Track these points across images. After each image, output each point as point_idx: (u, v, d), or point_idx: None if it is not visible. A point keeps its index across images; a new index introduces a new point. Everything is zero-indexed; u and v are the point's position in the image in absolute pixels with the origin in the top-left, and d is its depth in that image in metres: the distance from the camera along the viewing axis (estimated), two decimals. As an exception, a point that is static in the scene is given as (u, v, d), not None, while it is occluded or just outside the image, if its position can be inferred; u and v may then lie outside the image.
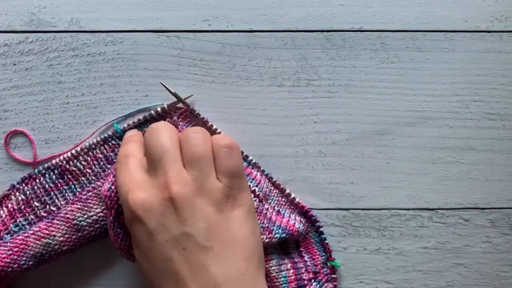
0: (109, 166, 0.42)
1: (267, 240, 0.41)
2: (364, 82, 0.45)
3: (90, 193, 0.41)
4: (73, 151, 0.42)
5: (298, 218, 0.43)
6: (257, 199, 0.41)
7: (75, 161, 0.42)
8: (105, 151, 0.43)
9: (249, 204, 0.37)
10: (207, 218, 0.34)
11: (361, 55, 0.45)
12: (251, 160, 0.43)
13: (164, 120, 0.43)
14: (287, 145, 0.44)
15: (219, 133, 0.43)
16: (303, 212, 0.44)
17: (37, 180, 0.42)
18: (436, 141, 0.45)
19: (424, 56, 0.45)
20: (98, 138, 0.43)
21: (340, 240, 0.44)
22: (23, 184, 0.42)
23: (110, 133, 0.43)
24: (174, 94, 0.43)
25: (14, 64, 0.44)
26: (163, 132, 0.36)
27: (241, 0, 0.45)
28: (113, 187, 0.38)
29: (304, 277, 0.43)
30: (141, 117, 0.43)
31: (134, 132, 0.41)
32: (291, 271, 0.43)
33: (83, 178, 0.42)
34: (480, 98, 0.45)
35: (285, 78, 0.45)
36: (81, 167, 0.42)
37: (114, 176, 0.39)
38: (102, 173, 0.42)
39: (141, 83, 0.44)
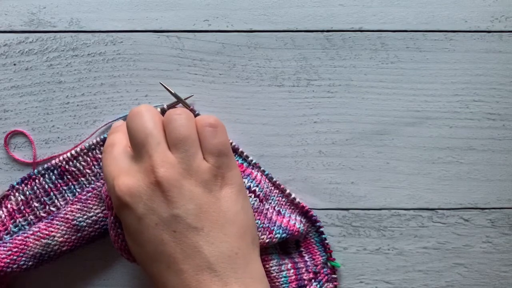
0: None
1: (267, 240, 0.41)
2: (364, 82, 0.45)
3: (89, 194, 0.41)
4: (73, 152, 0.42)
5: (298, 218, 0.43)
6: (257, 199, 0.41)
7: (74, 161, 0.42)
8: None
9: (239, 182, 0.36)
10: (195, 199, 0.34)
11: (361, 55, 0.45)
12: (251, 160, 0.43)
13: None
14: (287, 145, 0.44)
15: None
16: (304, 212, 0.44)
17: (37, 181, 0.42)
18: (436, 141, 0.45)
19: (424, 56, 0.45)
20: (98, 139, 0.42)
21: (340, 240, 0.44)
22: (23, 185, 0.42)
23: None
24: (174, 95, 0.43)
25: (14, 64, 0.44)
26: (145, 115, 0.35)
27: (241, 0, 0.45)
28: None
29: (304, 277, 0.43)
30: None
31: (120, 123, 0.41)
32: (292, 271, 0.43)
33: (82, 179, 0.42)
34: (480, 98, 0.45)
35: (285, 78, 0.45)
36: (81, 168, 0.42)
37: None
38: (102, 174, 0.42)
39: (141, 83, 0.44)
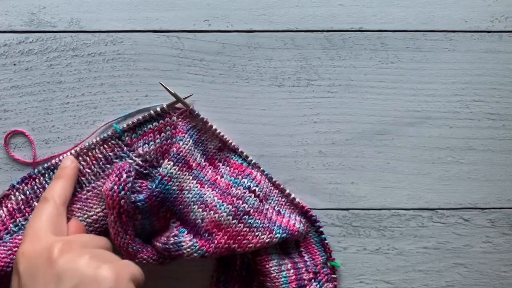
0: (108, 166, 0.42)
1: (267, 240, 0.41)
2: (364, 82, 0.45)
3: (89, 193, 0.41)
4: (73, 151, 0.42)
5: (298, 218, 0.43)
6: (257, 199, 0.41)
7: (75, 161, 0.42)
8: (104, 151, 0.43)
9: None
10: None
11: (361, 55, 0.45)
12: (251, 160, 0.43)
13: (163, 120, 0.43)
14: (287, 145, 0.44)
15: (219, 133, 0.43)
16: (303, 212, 0.44)
17: (37, 180, 0.42)
18: (436, 141, 0.45)
19: (424, 56, 0.45)
20: (98, 138, 0.43)
21: (340, 240, 0.44)
22: (23, 184, 0.42)
23: (109, 133, 0.43)
24: (174, 95, 0.43)
25: (14, 64, 0.44)
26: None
27: (241, 0, 0.45)
28: (115, 187, 0.39)
29: (304, 277, 0.43)
30: (140, 117, 0.43)
31: (68, 163, 0.41)
32: (291, 271, 0.43)
33: (82, 178, 0.42)
34: (480, 98, 0.45)
35: (285, 78, 0.45)
36: (81, 167, 0.42)
37: (116, 176, 0.39)
38: (101, 173, 0.42)
39: (141, 83, 0.44)
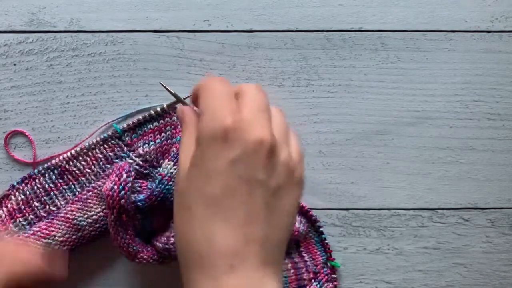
0: (108, 166, 0.42)
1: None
2: (364, 82, 0.45)
3: (90, 193, 0.41)
4: (73, 151, 0.42)
5: (298, 218, 0.43)
6: None
7: (74, 161, 0.42)
8: (104, 151, 0.43)
9: None
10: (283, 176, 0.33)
11: (361, 55, 0.45)
12: None
13: (164, 120, 0.43)
14: (287, 145, 0.44)
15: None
16: (303, 212, 0.43)
17: (37, 180, 0.42)
18: (436, 141, 0.45)
19: (424, 56, 0.45)
20: (98, 138, 0.43)
21: (340, 240, 0.44)
22: (23, 184, 0.42)
23: (109, 133, 0.43)
24: (174, 95, 0.43)
25: (14, 64, 0.44)
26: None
27: (241, 0, 0.45)
28: (115, 186, 0.39)
29: (304, 277, 0.43)
30: (140, 117, 0.43)
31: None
32: (292, 271, 0.43)
33: (82, 178, 0.42)
34: (480, 98, 0.45)
35: (285, 78, 0.45)
36: (81, 167, 0.42)
37: (116, 176, 0.39)
38: (101, 173, 0.42)
39: (141, 83, 0.44)
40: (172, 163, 0.41)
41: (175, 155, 0.41)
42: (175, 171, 0.41)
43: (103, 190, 0.39)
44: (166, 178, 0.40)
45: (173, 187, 0.41)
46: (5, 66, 0.44)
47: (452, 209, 0.45)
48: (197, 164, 0.33)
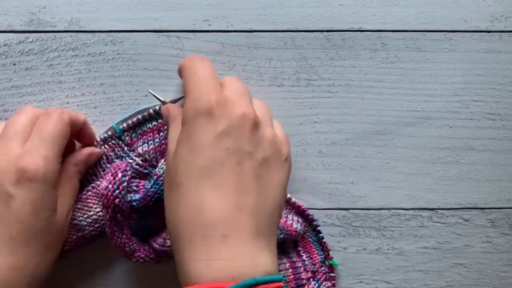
0: (109, 165, 0.42)
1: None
2: (364, 82, 0.45)
3: (89, 193, 0.41)
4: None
5: (295, 218, 0.43)
6: None
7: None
8: (105, 150, 0.42)
9: None
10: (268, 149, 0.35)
11: (361, 55, 0.45)
12: None
13: (162, 119, 0.42)
14: (287, 145, 0.44)
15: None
16: (300, 212, 0.43)
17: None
18: (436, 141, 0.45)
19: (424, 56, 0.45)
20: (98, 138, 0.42)
21: (340, 240, 0.44)
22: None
23: (109, 133, 0.43)
24: (163, 102, 0.42)
25: (14, 64, 0.44)
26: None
27: (241, 0, 0.45)
28: (110, 186, 0.39)
29: (302, 276, 0.43)
30: (140, 117, 0.42)
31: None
32: (290, 270, 0.43)
33: (83, 178, 0.42)
34: (480, 98, 0.45)
35: (285, 78, 0.45)
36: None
37: (111, 175, 0.39)
38: (102, 173, 0.42)
39: (141, 83, 0.44)
40: None
41: None
42: None
43: (99, 189, 0.39)
44: (161, 179, 0.40)
45: None
46: (5, 66, 0.44)
47: (452, 209, 0.45)
48: (184, 141, 0.34)
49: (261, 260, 0.32)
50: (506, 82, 0.45)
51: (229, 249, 0.32)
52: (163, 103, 0.42)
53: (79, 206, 0.41)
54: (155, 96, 0.42)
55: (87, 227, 0.40)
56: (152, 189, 0.40)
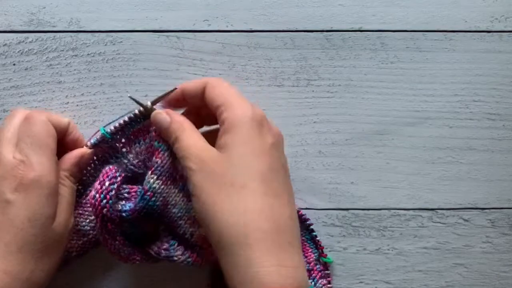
0: (106, 167, 0.41)
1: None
2: (364, 82, 0.45)
3: (87, 197, 0.40)
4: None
5: None
6: None
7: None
8: (100, 154, 0.41)
9: None
10: None
11: (361, 55, 0.45)
12: None
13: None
14: (287, 145, 0.44)
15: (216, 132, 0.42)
16: None
17: None
18: (436, 141, 0.45)
19: (424, 56, 0.45)
20: (88, 144, 0.40)
21: (340, 240, 0.44)
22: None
23: (98, 136, 0.40)
24: (145, 107, 0.39)
25: (14, 64, 0.44)
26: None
27: (241, 0, 0.45)
28: (97, 195, 0.37)
29: (299, 276, 0.43)
30: (126, 118, 0.40)
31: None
32: None
33: (83, 178, 0.42)
34: (480, 98, 0.45)
35: (285, 78, 0.45)
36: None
37: (99, 183, 0.38)
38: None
39: (141, 83, 0.44)
40: (155, 177, 0.38)
41: (159, 168, 0.38)
42: (158, 186, 0.38)
43: (88, 197, 0.39)
44: (149, 193, 0.38)
45: (157, 202, 0.39)
46: (4, 66, 0.44)
47: (452, 209, 0.45)
48: (245, 144, 0.35)
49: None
50: (506, 82, 0.45)
51: (295, 256, 0.33)
52: (144, 106, 0.39)
53: (80, 212, 0.40)
54: (135, 100, 0.39)
55: (91, 231, 0.40)
56: (140, 204, 0.38)
